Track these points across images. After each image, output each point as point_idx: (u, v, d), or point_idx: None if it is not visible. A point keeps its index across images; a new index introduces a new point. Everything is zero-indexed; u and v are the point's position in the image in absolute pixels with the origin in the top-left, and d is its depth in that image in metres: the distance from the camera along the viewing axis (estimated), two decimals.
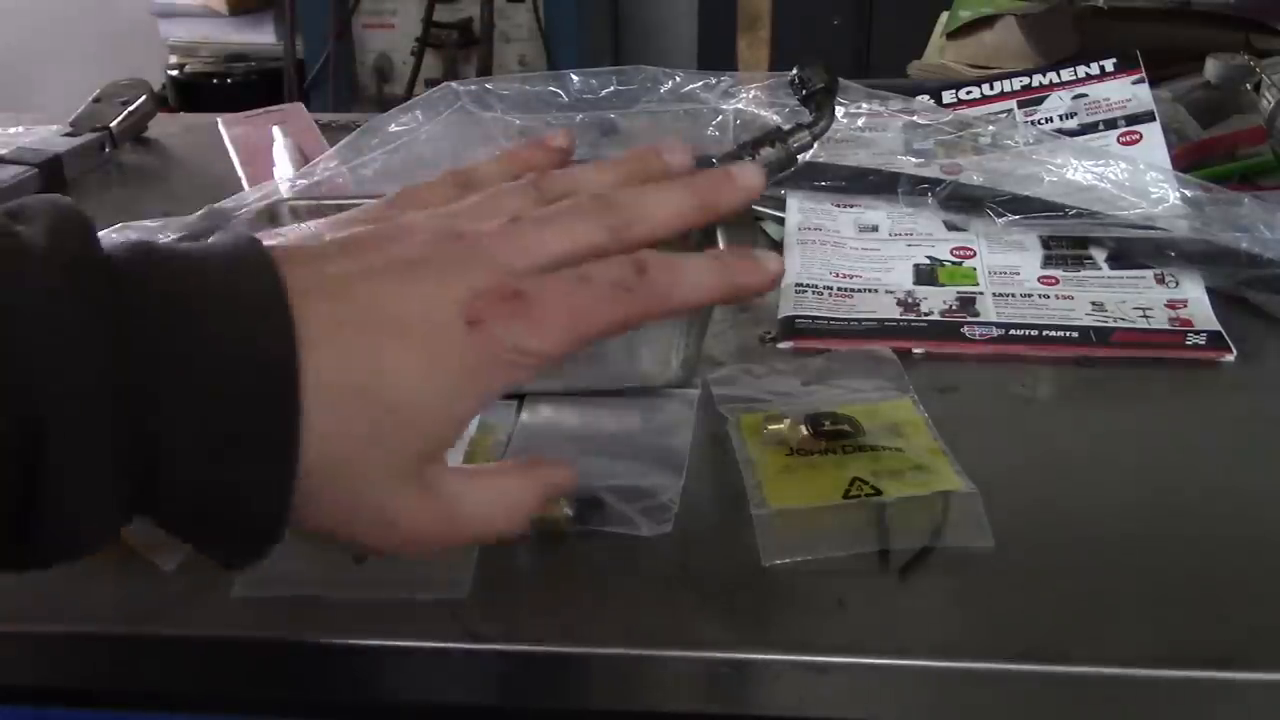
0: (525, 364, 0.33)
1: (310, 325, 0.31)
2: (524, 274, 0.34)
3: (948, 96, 0.81)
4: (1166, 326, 0.62)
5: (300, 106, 0.93)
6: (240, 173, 0.83)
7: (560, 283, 0.33)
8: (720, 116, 0.77)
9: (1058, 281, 0.66)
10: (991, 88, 0.81)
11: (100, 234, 0.32)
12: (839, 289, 0.66)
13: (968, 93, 0.81)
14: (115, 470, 0.30)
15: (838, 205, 0.74)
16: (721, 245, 0.56)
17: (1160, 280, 0.66)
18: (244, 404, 0.30)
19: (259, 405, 0.30)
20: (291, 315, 0.31)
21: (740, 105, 0.77)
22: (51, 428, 0.28)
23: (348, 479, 0.32)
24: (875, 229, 0.72)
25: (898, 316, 0.63)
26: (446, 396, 0.33)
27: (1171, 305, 0.64)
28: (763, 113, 0.76)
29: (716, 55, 2.17)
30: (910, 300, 0.65)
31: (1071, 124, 0.77)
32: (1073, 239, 0.69)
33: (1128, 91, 0.77)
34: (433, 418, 0.33)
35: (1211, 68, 0.86)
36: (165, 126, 1.02)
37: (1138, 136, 0.75)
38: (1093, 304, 0.64)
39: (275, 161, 0.80)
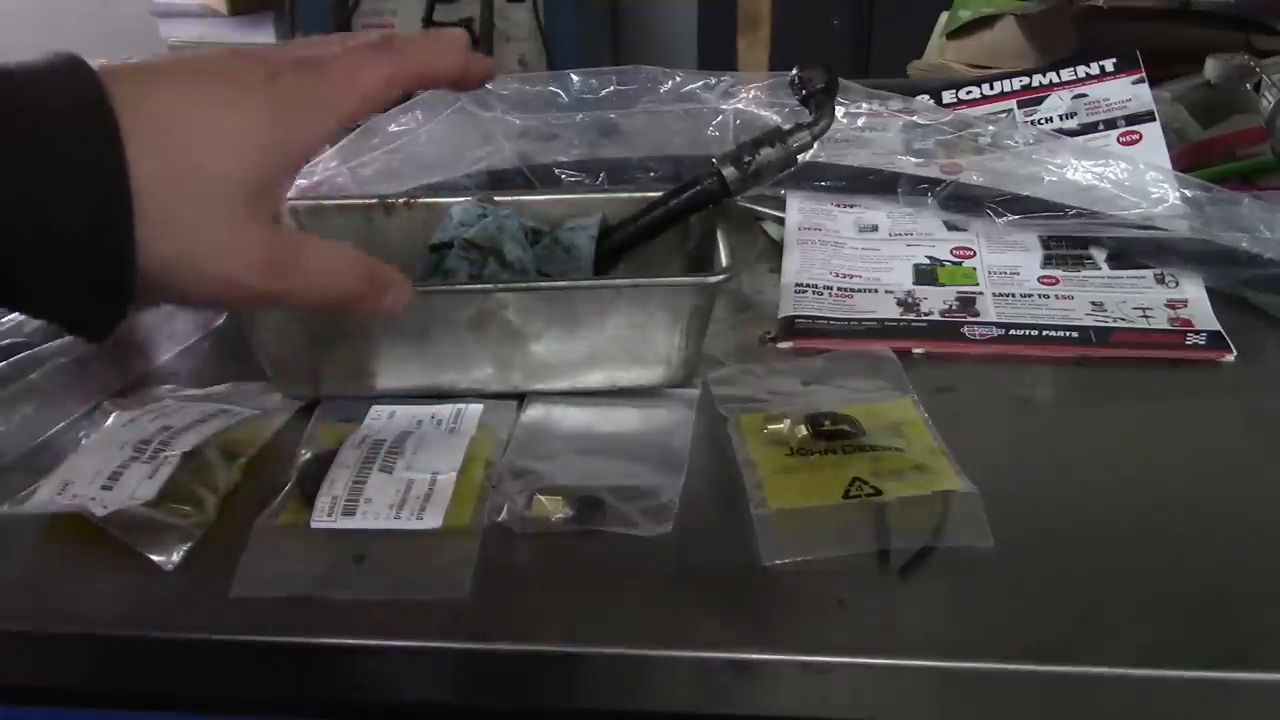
0: (321, 105, 0.40)
1: (124, 75, 0.36)
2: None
3: (948, 96, 0.81)
4: (1166, 326, 0.62)
5: None
6: None
7: (338, 51, 0.41)
8: (720, 116, 0.77)
9: (1058, 281, 0.66)
10: (991, 88, 0.81)
11: None
12: (839, 289, 0.66)
13: (968, 93, 0.81)
14: None
15: (838, 205, 0.74)
16: (721, 245, 0.56)
17: (1160, 280, 0.66)
18: (69, 137, 0.34)
19: (82, 138, 0.34)
20: (104, 64, 0.36)
21: (740, 105, 0.77)
22: None
23: (181, 197, 0.36)
24: (875, 229, 0.72)
25: (898, 316, 0.63)
26: (257, 129, 0.38)
27: (1171, 305, 0.64)
28: (763, 113, 0.76)
29: (716, 55, 2.16)
30: (910, 300, 0.65)
31: (1071, 124, 0.77)
32: (1073, 239, 0.69)
33: (1128, 91, 0.77)
34: (248, 143, 0.37)
35: (1211, 68, 0.86)
36: None
37: (1138, 136, 0.75)
38: (1093, 304, 0.64)
39: None
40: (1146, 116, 0.76)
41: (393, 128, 0.77)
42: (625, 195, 0.62)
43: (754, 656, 0.40)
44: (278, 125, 0.38)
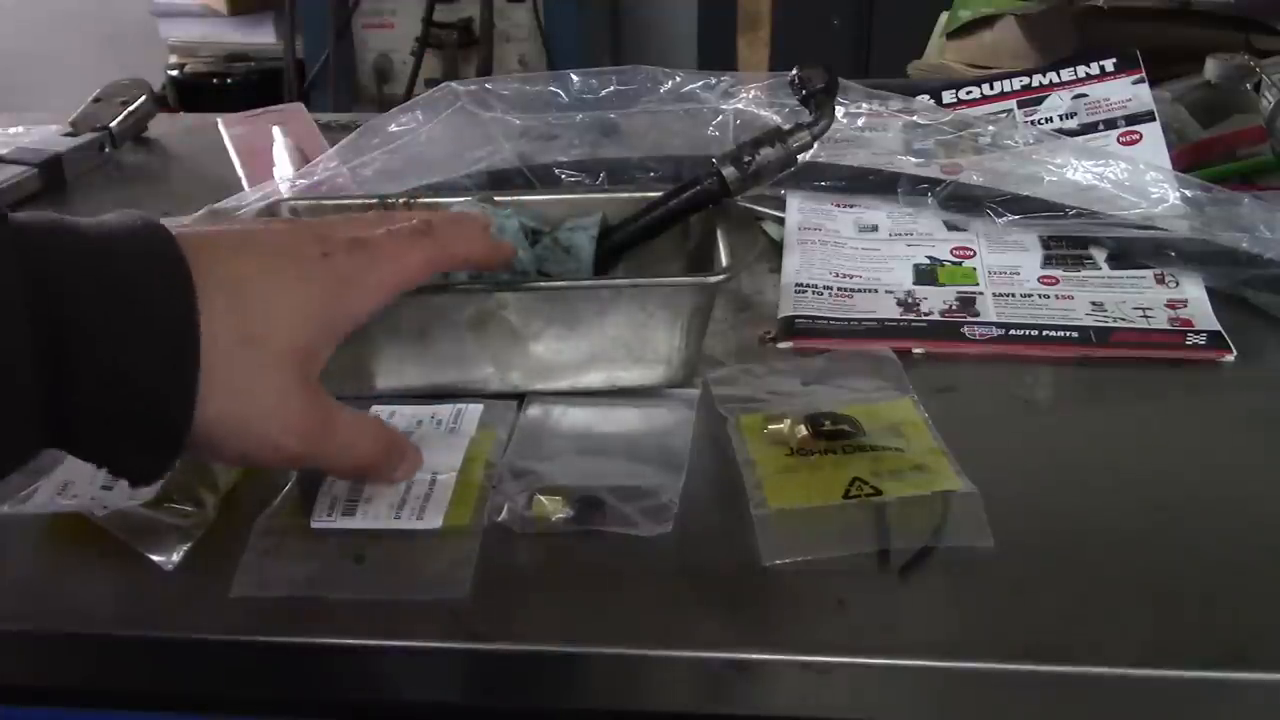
0: (369, 284, 0.43)
1: (201, 243, 0.39)
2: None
3: (948, 96, 0.81)
4: (1166, 326, 0.62)
5: (300, 106, 0.93)
6: (240, 173, 0.83)
7: (384, 234, 0.45)
8: (720, 116, 0.77)
9: (1058, 281, 0.66)
10: (991, 88, 0.81)
11: None
12: (839, 289, 0.66)
13: (968, 93, 0.81)
14: (31, 375, 0.35)
15: (838, 205, 0.74)
16: (721, 245, 0.56)
17: (1160, 280, 0.66)
18: (146, 296, 0.37)
19: (159, 297, 0.37)
20: (180, 230, 0.39)
21: (740, 105, 0.77)
22: None
23: (242, 362, 0.39)
24: (875, 229, 0.72)
25: (898, 316, 0.63)
26: (312, 303, 0.41)
27: (1171, 305, 0.64)
28: (763, 113, 0.76)
29: (716, 55, 2.17)
30: (910, 300, 0.65)
31: (1071, 124, 0.77)
32: (1073, 239, 0.69)
33: (1128, 91, 0.77)
34: (303, 316, 0.41)
35: (1211, 68, 0.86)
36: (165, 126, 1.02)
37: (1138, 136, 0.75)
38: (1093, 304, 0.64)
39: (275, 161, 0.80)
40: (1146, 116, 0.76)
41: (393, 128, 0.77)
42: (625, 195, 0.62)
43: (754, 656, 0.40)
44: (330, 300, 0.42)
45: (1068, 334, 0.61)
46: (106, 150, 0.93)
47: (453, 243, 0.47)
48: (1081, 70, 0.79)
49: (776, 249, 0.71)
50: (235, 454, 0.41)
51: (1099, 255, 0.68)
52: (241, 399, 0.39)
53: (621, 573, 0.44)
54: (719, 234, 0.56)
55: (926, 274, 0.67)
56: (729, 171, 0.57)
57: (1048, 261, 0.68)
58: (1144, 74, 0.77)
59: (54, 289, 0.35)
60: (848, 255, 0.69)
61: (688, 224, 0.60)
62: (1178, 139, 0.80)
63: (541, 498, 0.47)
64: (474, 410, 0.53)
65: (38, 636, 0.43)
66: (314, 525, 0.46)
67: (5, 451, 0.37)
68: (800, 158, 0.58)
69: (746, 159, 0.57)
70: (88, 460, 0.39)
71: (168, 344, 0.37)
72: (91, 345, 0.36)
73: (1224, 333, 0.61)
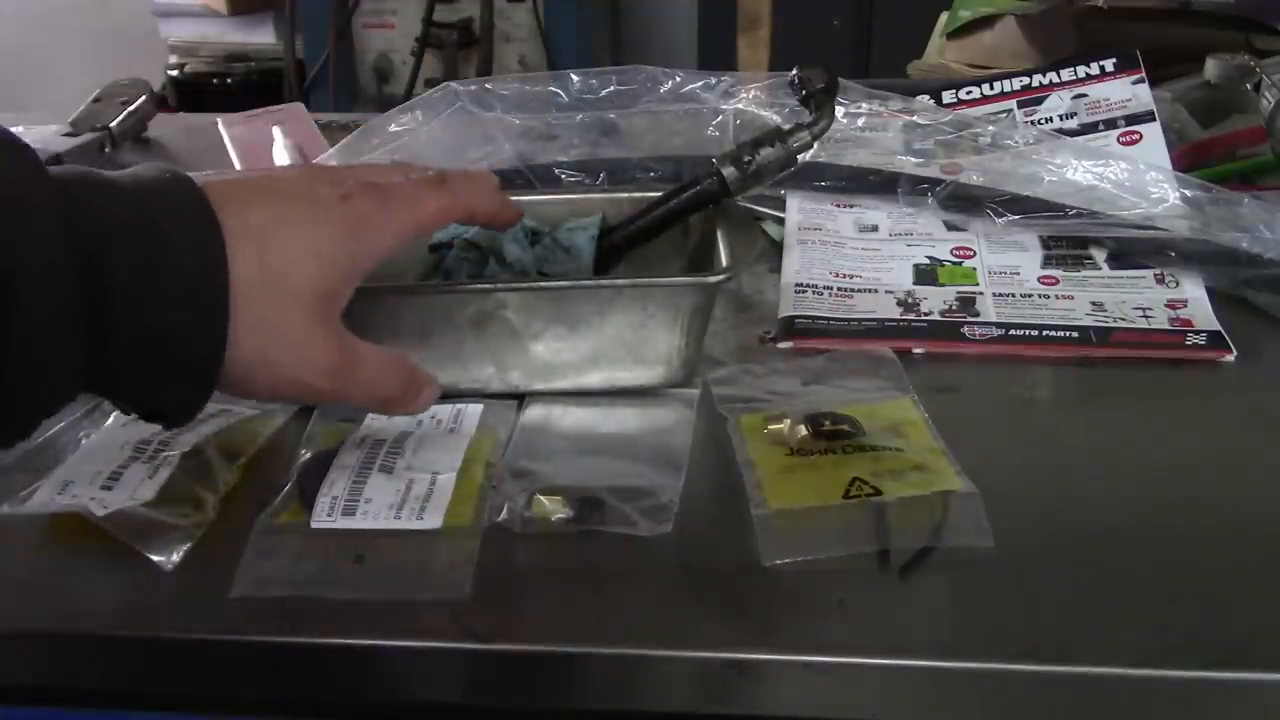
0: (385, 226, 0.45)
1: (225, 192, 0.42)
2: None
3: (948, 96, 0.81)
4: (1166, 326, 0.62)
5: (300, 106, 0.93)
6: None
7: (400, 179, 0.48)
8: (720, 116, 0.77)
9: (1058, 281, 0.66)
10: (991, 88, 0.81)
11: None
12: (839, 289, 0.66)
13: (968, 93, 0.81)
14: (73, 321, 0.37)
15: (838, 205, 0.74)
16: (721, 245, 0.56)
17: (1160, 280, 0.66)
18: (180, 253, 0.39)
19: (192, 248, 0.40)
20: (205, 180, 0.42)
21: (740, 105, 0.77)
22: (20, 283, 0.36)
23: (269, 302, 0.41)
24: (875, 229, 0.72)
25: (898, 316, 0.63)
26: (331, 245, 0.43)
27: (1171, 305, 0.64)
28: (763, 113, 0.76)
29: (716, 55, 2.16)
30: (910, 300, 0.65)
31: (1071, 124, 0.77)
32: (1073, 239, 0.69)
33: (1128, 91, 0.77)
34: (323, 260, 0.43)
35: (1211, 68, 0.86)
36: (165, 126, 1.02)
37: (1138, 136, 0.75)
38: (1093, 304, 0.64)
39: (275, 161, 0.80)
40: (1146, 116, 0.76)
41: (393, 128, 0.77)
42: (625, 195, 0.62)
43: (754, 656, 0.40)
44: (348, 241, 0.44)
45: (1068, 334, 0.61)
46: (106, 150, 0.93)
47: (465, 194, 0.49)
48: (1081, 70, 0.79)
49: (776, 249, 0.71)
50: (266, 390, 0.44)
51: (1099, 255, 0.68)
52: (269, 338, 0.42)
53: (621, 573, 0.44)
54: (719, 234, 0.56)
55: (926, 274, 0.67)
56: (729, 171, 0.57)
57: (1048, 261, 0.68)
58: (1144, 74, 0.77)
59: (94, 244, 0.37)
60: (848, 255, 0.69)
61: (688, 224, 0.60)
62: (1178, 139, 0.80)
63: (541, 498, 0.47)
64: (474, 410, 0.53)
65: (38, 636, 0.43)
66: (314, 525, 0.46)
67: (46, 397, 0.39)
68: (800, 158, 0.58)
69: (746, 159, 0.57)
70: (123, 402, 0.42)
71: (201, 292, 0.40)
72: (130, 298, 0.38)
73: (1224, 333, 0.61)
